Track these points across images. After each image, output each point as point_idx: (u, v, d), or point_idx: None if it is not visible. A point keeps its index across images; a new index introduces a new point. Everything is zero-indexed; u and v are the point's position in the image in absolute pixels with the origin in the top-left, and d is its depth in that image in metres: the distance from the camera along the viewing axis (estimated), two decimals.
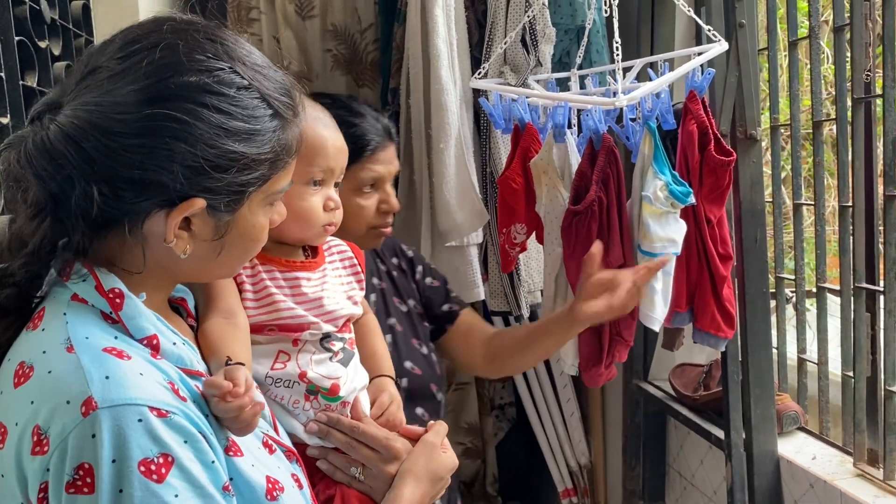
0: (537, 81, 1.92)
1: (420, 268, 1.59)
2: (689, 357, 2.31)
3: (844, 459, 1.77)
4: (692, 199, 1.55)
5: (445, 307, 1.58)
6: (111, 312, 0.76)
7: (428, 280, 1.59)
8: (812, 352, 1.94)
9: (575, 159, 1.68)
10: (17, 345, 0.77)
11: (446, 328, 1.57)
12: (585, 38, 1.92)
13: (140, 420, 0.68)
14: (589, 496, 2.65)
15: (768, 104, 1.99)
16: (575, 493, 2.67)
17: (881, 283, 1.64)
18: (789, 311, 2.13)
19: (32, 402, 0.70)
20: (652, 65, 1.76)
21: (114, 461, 0.67)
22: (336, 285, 1.09)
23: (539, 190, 1.65)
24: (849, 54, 1.68)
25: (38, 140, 0.74)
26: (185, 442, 0.71)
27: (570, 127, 1.74)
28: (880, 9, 1.56)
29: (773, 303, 2.06)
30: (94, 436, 0.67)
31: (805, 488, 1.77)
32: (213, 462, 0.74)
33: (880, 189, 1.65)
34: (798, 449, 1.86)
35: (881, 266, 1.65)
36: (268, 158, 0.79)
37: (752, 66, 1.80)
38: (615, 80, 1.82)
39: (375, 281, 1.50)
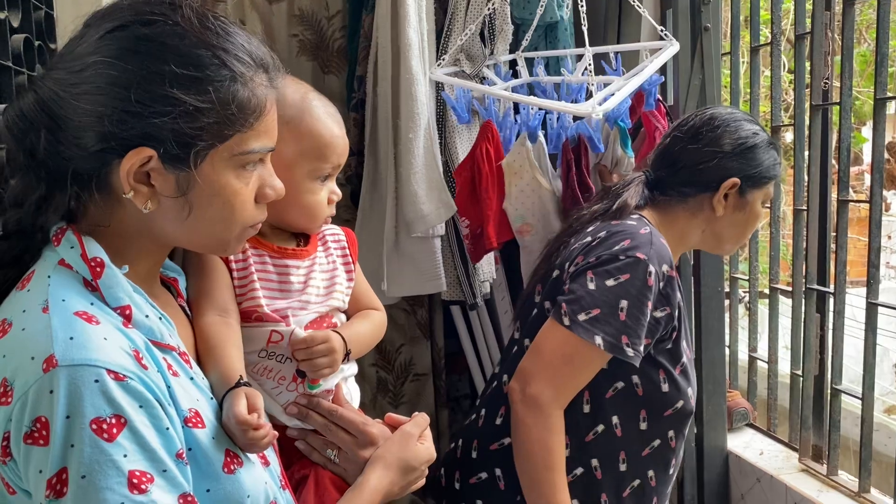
0: (486, 66, 1.95)
1: None
2: None
3: (790, 455, 1.83)
4: None
5: None
6: (92, 280, 0.79)
7: None
8: (763, 351, 2.00)
9: (546, 157, 1.72)
10: (6, 303, 0.81)
11: None
12: (530, 32, 1.95)
13: (96, 381, 0.71)
14: None
15: None
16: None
17: (832, 285, 1.70)
18: (741, 310, 2.19)
19: (4, 357, 0.74)
20: (604, 56, 1.80)
21: (67, 417, 0.70)
22: (322, 279, 1.08)
23: (509, 189, 1.68)
24: (808, 63, 1.73)
25: (17, 104, 0.81)
26: (141, 407, 0.73)
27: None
28: (840, 19, 1.61)
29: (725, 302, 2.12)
30: (51, 391, 0.70)
31: (752, 482, 1.82)
32: (167, 429, 0.76)
33: (833, 194, 1.71)
34: (746, 444, 1.92)
35: (832, 269, 1.71)
36: (215, 109, 0.78)
37: (715, 70, 1.84)
38: (566, 67, 1.86)
39: None
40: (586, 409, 1.31)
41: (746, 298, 2.11)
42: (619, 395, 1.31)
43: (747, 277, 2.04)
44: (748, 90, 1.98)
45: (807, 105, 1.74)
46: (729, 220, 1.41)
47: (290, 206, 0.99)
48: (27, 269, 0.83)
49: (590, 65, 1.64)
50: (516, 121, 1.75)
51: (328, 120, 1.04)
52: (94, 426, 0.70)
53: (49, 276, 0.79)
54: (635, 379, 1.31)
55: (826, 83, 1.68)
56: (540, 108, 1.70)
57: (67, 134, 0.78)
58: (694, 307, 1.88)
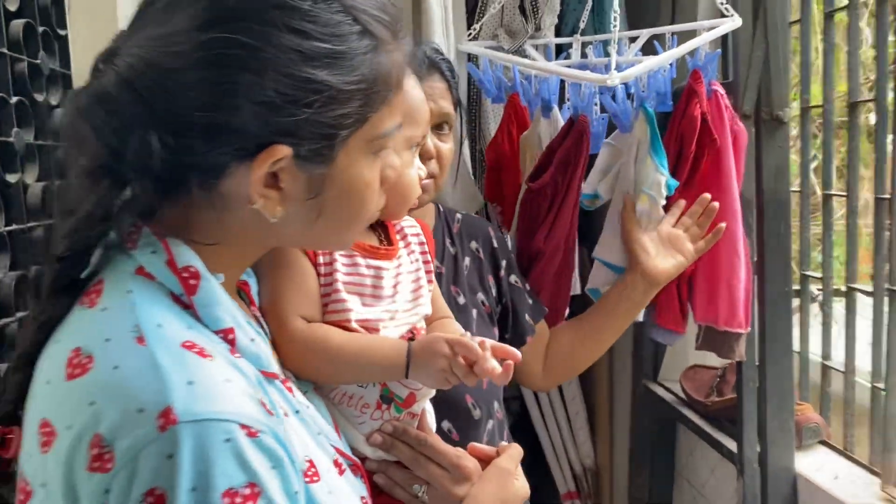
0: (535, 48, 1.77)
1: (504, 262, 1.39)
2: (702, 358, 2.14)
3: (871, 481, 1.59)
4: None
5: (528, 316, 1.39)
6: (182, 295, 0.64)
7: (512, 278, 1.39)
8: (840, 358, 1.76)
9: None
10: (70, 323, 0.65)
11: (526, 340, 1.39)
12: (591, 5, 1.76)
13: (228, 440, 0.57)
14: (592, 500, 2.49)
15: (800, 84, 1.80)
16: (578, 497, 2.51)
17: None
18: (816, 311, 1.95)
19: (92, 404, 0.58)
20: (660, 37, 1.59)
21: (194, 489, 0.55)
22: (409, 282, 0.96)
23: (523, 166, 1.50)
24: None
25: (92, 89, 0.64)
26: (273, 468, 0.60)
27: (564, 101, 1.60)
28: None
29: (796, 302, 1.89)
30: (170, 456, 0.56)
31: None
32: (296, 493, 0.63)
33: None
34: (819, 466, 1.69)
35: None
36: (360, 89, 0.64)
37: (780, 40, 1.61)
38: (618, 50, 1.66)
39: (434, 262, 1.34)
40: None
41: (821, 298, 1.86)
42: None
43: (820, 275, 1.80)
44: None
45: (891, 79, 1.50)
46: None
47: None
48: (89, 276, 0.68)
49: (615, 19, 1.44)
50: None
51: (413, 81, 0.93)
52: (225, 500, 0.56)
53: (130, 291, 0.63)
54: None
55: None
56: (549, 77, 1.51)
57: (176, 133, 0.62)
58: (758, 311, 1.66)
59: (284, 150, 0.62)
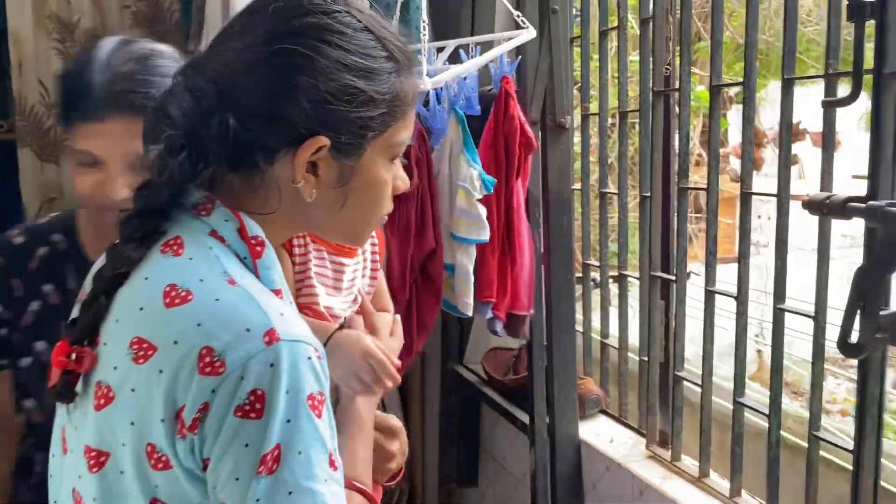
0: None
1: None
2: (502, 341, 2.33)
3: (639, 441, 1.84)
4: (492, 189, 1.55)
5: None
6: (246, 258, 0.79)
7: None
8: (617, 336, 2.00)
9: None
10: (153, 266, 0.78)
11: None
12: (397, 12, 1.86)
13: (309, 358, 0.73)
14: (406, 482, 2.62)
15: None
16: (391, 478, 2.63)
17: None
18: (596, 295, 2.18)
19: (200, 325, 0.72)
20: (465, 47, 1.73)
21: (287, 392, 0.71)
22: (363, 278, 1.10)
23: None
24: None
25: (185, 83, 0.80)
26: (326, 383, 0.76)
27: None
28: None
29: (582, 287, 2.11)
30: (272, 365, 0.71)
31: (602, 471, 1.82)
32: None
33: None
34: (598, 432, 1.91)
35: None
36: (385, 99, 0.81)
37: (563, 54, 1.80)
38: (429, 60, 1.77)
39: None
40: None
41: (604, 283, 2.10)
42: None
43: (599, 264, 2.04)
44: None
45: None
46: None
47: None
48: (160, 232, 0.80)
49: (424, 29, 1.57)
50: None
51: None
52: (309, 402, 0.72)
53: (211, 248, 0.78)
54: None
55: (667, 69, 1.67)
56: None
57: (244, 119, 0.77)
58: (545, 296, 1.85)
59: (324, 141, 0.79)
